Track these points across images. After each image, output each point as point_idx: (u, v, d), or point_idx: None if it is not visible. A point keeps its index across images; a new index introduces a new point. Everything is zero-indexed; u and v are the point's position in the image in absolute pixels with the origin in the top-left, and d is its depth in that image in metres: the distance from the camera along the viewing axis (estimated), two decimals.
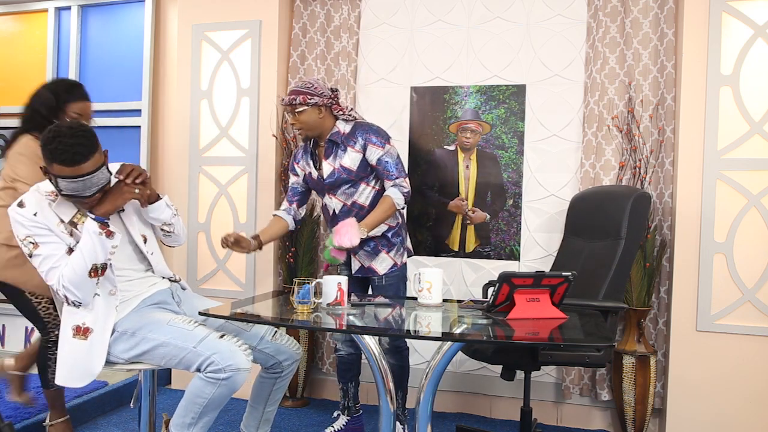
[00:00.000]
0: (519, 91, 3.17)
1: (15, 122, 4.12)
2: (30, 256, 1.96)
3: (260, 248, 2.61)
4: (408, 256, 2.74)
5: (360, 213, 2.60)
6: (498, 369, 2.92)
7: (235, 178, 3.42)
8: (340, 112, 2.60)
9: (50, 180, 1.94)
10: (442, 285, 2.42)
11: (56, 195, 1.99)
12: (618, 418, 2.96)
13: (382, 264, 2.62)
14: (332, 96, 2.58)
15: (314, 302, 2.06)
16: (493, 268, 3.19)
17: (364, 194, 2.62)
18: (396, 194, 2.53)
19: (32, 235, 1.95)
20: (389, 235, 2.63)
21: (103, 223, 1.93)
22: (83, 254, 1.91)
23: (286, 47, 3.45)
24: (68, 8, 4.00)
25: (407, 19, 3.34)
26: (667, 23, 2.93)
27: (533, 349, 2.26)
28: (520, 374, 2.59)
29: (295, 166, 2.78)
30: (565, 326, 1.86)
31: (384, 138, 2.58)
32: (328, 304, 2.08)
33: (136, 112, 3.84)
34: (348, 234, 2.34)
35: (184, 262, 3.49)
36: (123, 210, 2.12)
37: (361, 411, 2.90)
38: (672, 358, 2.83)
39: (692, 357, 2.80)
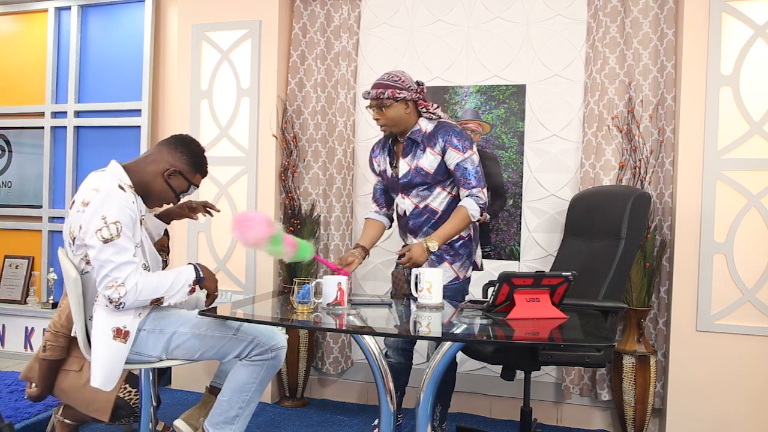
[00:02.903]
0: (519, 91, 3.17)
1: (15, 122, 4.16)
2: (105, 241, 1.87)
3: (368, 254, 2.55)
4: (474, 270, 2.59)
5: (432, 218, 2.49)
6: (498, 369, 2.91)
7: (235, 178, 3.42)
8: (424, 109, 2.46)
9: (170, 184, 2.10)
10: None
11: (135, 192, 2.07)
12: (618, 418, 2.96)
13: (444, 275, 2.34)
14: (419, 90, 2.45)
15: (314, 302, 2.06)
16: (493, 268, 3.19)
17: (438, 198, 2.48)
18: (472, 206, 2.37)
19: (122, 222, 1.90)
20: (457, 245, 2.48)
21: (197, 282, 2.03)
22: (168, 285, 1.96)
23: (286, 47, 3.45)
24: (68, 8, 4.00)
25: (407, 19, 3.34)
26: (667, 23, 2.93)
27: (533, 349, 2.26)
28: (520, 374, 2.59)
29: (373, 161, 2.65)
30: (565, 326, 1.86)
31: (466, 142, 2.41)
32: (328, 304, 2.08)
33: (136, 112, 3.84)
34: (253, 229, 2.05)
35: (184, 262, 3.48)
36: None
37: (402, 421, 2.81)
38: (672, 358, 2.83)
39: (692, 357, 2.80)
